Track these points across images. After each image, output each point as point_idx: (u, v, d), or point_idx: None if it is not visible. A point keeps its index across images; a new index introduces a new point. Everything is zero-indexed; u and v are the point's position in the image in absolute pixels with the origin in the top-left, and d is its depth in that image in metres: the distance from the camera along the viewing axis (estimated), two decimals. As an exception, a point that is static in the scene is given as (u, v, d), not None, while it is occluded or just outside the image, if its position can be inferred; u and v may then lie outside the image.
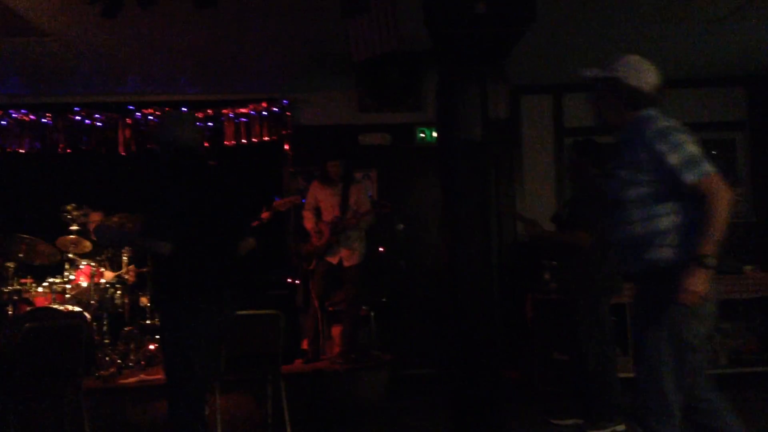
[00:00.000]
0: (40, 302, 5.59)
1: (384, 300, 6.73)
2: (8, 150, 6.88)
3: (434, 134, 6.97)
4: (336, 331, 5.92)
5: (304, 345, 5.85)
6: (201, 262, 3.28)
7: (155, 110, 6.98)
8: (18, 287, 5.65)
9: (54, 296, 5.62)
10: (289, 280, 6.44)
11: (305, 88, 7.00)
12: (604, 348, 4.60)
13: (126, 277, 5.86)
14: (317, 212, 5.85)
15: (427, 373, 6.50)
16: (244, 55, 6.09)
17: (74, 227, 5.79)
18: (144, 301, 5.85)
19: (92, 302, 5.61)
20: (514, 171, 7.16)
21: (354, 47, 4.62)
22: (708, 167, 2.59)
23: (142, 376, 5.21)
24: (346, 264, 5.72)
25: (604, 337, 4.61)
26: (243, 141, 6.98)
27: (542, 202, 7.00)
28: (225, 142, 6.97)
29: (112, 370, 5.26)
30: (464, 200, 3.94)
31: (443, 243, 4.17)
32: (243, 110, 7.00)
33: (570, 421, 4.75)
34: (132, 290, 5.92)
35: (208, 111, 6.98)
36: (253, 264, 6.54)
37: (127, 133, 6.99)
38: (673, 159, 2.60)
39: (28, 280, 5.78)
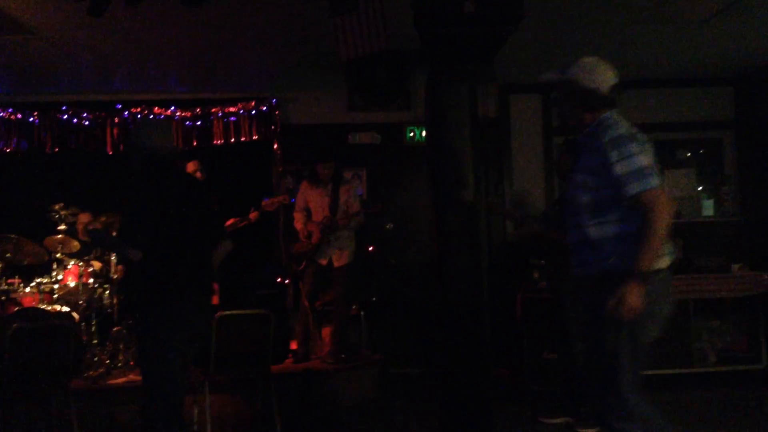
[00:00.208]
0: (28, 302, 5.55)
1: (374, 299, 6.73)
2: (-5, 149, 6.84)
3: (423, 133, 6.97)
4: (326, 330, 5.91)
5: (294, 345, 5.84)
6: (172, 266, 3.31)
7: (143, 109, 6.94)
8: (5, 287, 5.61)
9: (42, 296, 5.58)
10: (279, 280, 6.43)
11: (294, 87, 6.99)
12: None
13: (115, 276, 5.82)
14: (307, 213, 5.84)
15: (417, 372, 6.50)
16: (233, 53, 6.08)
17: (62, 227, 5.76)
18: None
19: (80, 302, 5.58)
20: (503, 170, 7.18)
21: (342, 46, 4.62)
22: (653, 181, 2.60)
23: (131, 377, 5.18)
24: (336, 264, 5.72)
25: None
26: (231, 140, 6.96)
27: (531, 200, 7.04)
28: (214, 142, 6.95)
29: (100, 370, 5.23)
30: (453, 199, 3.95)
31: (433, 242, 4.17)
32: (231, 109, 6.98)
33: (559, 420, 4.77)
34: (120, 290, 5.88)
35: (197, 110, 6.95)
36: (243, 264, 6.58)
37: (115, 132, 6.95)
38: (620, 169, 2.63)
39: (16, 281, 5.75)
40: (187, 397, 4.75)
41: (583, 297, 2.88)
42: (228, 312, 4.55)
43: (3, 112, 6.84)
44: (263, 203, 5.62)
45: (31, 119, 6.87)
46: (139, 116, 6.92)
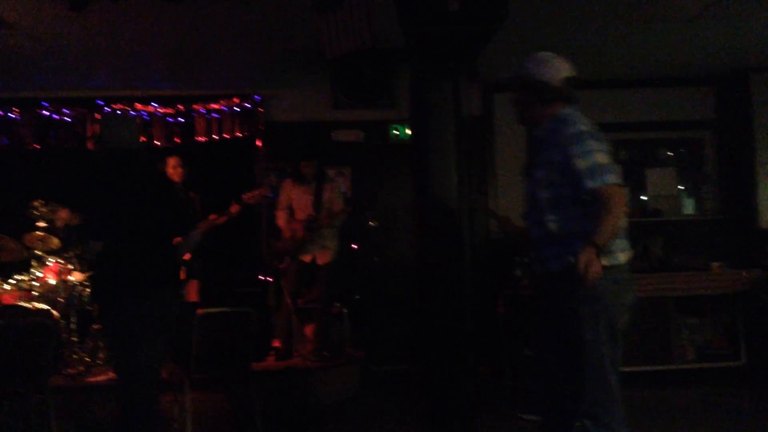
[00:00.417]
0: (7, 300, 5.48)
1: (357, 297, 6.73)
2: (-25, 145, 6.76)
3: (408, 131, 6.98)
4: (308, 328, 5.90)
5: (276, 343, 5.82)
6: (132, 261, 3.33)
7: (125, 105, 6.88)
8: (-16, 285, 5.55)
9: (21, 294, 5.51)
10: (261, 277, 6.41)
11: (278, 84, 6.96)
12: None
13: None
14: (290, 211, 5.83)
15: (399, 369, 6.50)
16: (216, 50, 6.04)
17: (42, 224, 5.69)
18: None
19: (60, 300, 5.52)
20: (487, 168, 7.20)
21: (327, 44, 4.61)
22: (611, 178, 2.62)
23: (111, 374, 5.13)
24: (319, 262, 5.71)
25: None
26: (214, 137, 6.92)
27: (515, 198, 7.04)
28: (196, 138, 6.91)
29: (80, 368, 5.18)
30: (437, 197, 3.95)
31: (416, 240, 4.18)
32: (214, 106, 6.94)
33: (533, 417, 4.79)
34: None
35: (179, 106, 6.91)
36: (225, 262, 6.55)
37: (96, 128, 6.88)
38: (580, 164, 2.64)
39: (-5, 278, 5.68)
40: (167, 395, 4.75)
41: (545, 293, 2.89)
42: (209, 309, 4.53)
43: (-18, 108, 6.76)
44: (244, 196, 5.60)
45: (12, 115, 6.80)
46: (119, 112, 6.86)
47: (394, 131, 7.16)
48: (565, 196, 2.72)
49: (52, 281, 5.60)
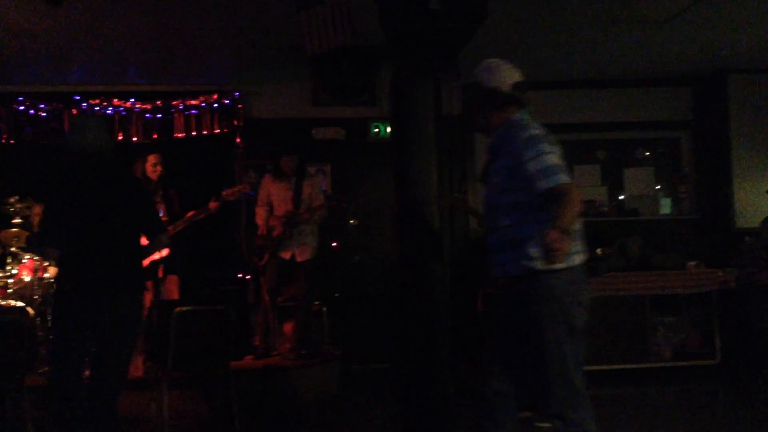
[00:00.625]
0: (-19, 297, 5.41)
1: (336, 295, 6.72)
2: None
3: (388, 129, 6.97)
4: (287, 326, 5.87)
5: (255, 341, 5.79)
6: (87, 263, 3.34)
7: (102, 101, 6.81)
8: (-42, 281, 5.46)
9: (-5, 291, 5.44)
10: (240, 275, 6.37)
11: (258, 81, 6.92)
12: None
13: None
14: (269, 207, 5.80)
15: (379, 367, 6.50)
16: (195, 45, 5.99)
17: (17, 220, 5.62)
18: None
19: (35, 297, 5.45)
20: (466, 167, 7.21)
21: (308, 40, 4.60)
22: (563, 178, 2.66)
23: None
24: (298, 259, 5.68)
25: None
26: (193, 133, 6.86)
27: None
28: (174, 135, 6.85)
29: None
30: (417, 195, 3.95)
31: (396, 238, 4.18)
32: (193, 102, 6.88)
33: (519, 414, 4.81)
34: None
35: (157, 102, 6.85)
36: (203, 259, 6.50)
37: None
38: (533, 166, 2.68)
39: (-31, 275, 5.60)
40: (144, 394, 4.72)
41: (505, 297, 2.92)
42: (187, 307, 4.49)
43: (-43, 102, 6.66)
44: (223, 193, 5.56)
45: (-13, 110, 6.70)
46: (96, 108, 6.79)
47: (375, 129, 7.15)
48: (521, 201, 2.75)
49: (28, 278, 5.53)
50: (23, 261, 5.61)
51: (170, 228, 5.49)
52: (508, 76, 2.94)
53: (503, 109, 2.90)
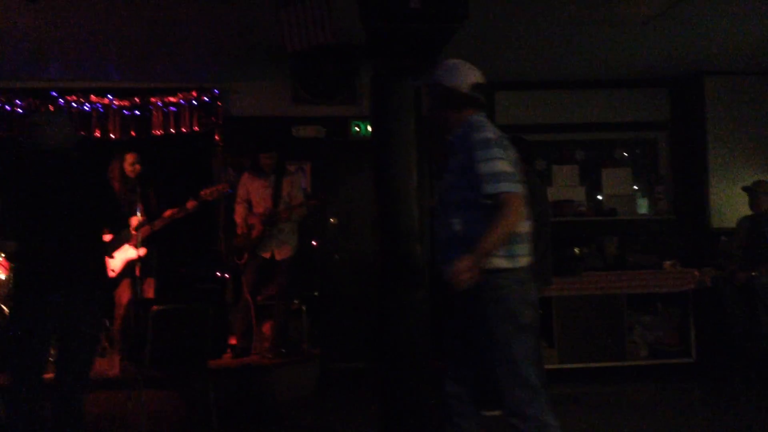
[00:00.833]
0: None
1: (316, 294, 6.70)
2: None
3: (369, 128, 6.97)
4: (266, 325, 5.85)
5: (233, 340, 5.77)
6: (41, 259, 3.36)
7: (79, 97, 6.73)
8: (-71, 280, 5.37)
9: (-32, 290, 5.36)
10: (218, 273, 6.34)
11: (237, 78, 6.88)
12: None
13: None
14: (248, 205, 5.77)
15: (357, 366, 6.51)
16: (174, 41, 5.94)
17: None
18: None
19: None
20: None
21: (287, 38, 4.57)
22: (509, 186, 2.71)
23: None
24: (278, 258, 5.67)
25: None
26: (172, 130, 6.81)
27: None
28: (153, 132, 6.79)
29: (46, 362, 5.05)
30: (397, 194, 3.96)
31: (376, 237, 4.18)
32: (172, 99, 6.83)
33: (496, 412, 4.82)
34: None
35: (135, 99, 6.78)
36: (182, 257, 6.46)
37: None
38: (482, 169, 2.73)
39: (-59, 273, 5.50)
40: (120, 393, 4.68)
41: (456, 296, 2.95)
42: (164, 306, 4.46)
43: (-68, 98, 6.54)
44: (201, 192, 5.53)
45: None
46: (74, 105, 6.72)
47: (355, 128, 7.14)
48: (470, 199, 2.79)
49: (2, 276, 5.45)
50: (-1, 259, 5.53)
51: (148, 227, 5.46)
52: (467, 76, 2.97)
53: (461, 110, 2.95)
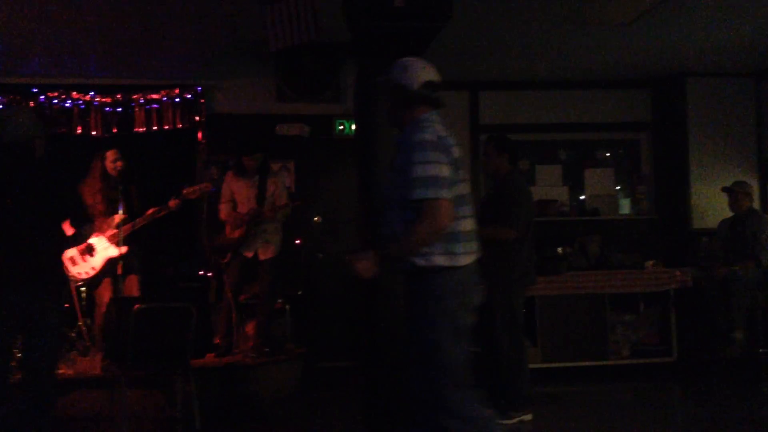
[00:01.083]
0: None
1: (300, 293, 6.68)
2: None
3: (353, 127, 6.95)
4: (250, 325, 5.83)
5: (217, 340, 5.73)
6: None
7: (60, 93, 6.67)
8: None
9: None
10: (201, 273, 6.30)
11: (220, 75, 6.84)
12: (518, 339, 4.74)
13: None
14: (233, 204, 5.74)
15: (341, 365, 6.50)
16: (157, 38, 5.90)
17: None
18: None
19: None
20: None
21: (272, 36, 4.56)
22: (436, 192, 2.71)
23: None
24: (261, 257, 5.64)
25: (518, 328, 4.75)
26: (154, 128, 6.76)
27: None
28: (135, 129, 6.74)
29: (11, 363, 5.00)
30: (381, 193, 3.95)
31: (359, 236, 4.17)
32: (154, 96, 6.78)
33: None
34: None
35: (117, 96, 6.73)
36: (164, 257, 6.41)
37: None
38: (414, 172, 2.73)
39: None
40: (102, 392, 4.64)
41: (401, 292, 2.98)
42: (147, 305, 4.43)
43: None
44: (184, 191, 5.49)
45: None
46: (55, 101, 6.66)
47: (340, 126, 7.13)
48: (407, 198, 2.78)
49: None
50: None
51: (130, 225, 5.41)
52: (419, 75, 2.95)
53: (412, 108, 2.94)
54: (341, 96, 6.96)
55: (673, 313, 6.41)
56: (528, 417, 4.68)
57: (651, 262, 6.56)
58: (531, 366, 4.92)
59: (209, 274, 6.30)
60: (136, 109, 6.75)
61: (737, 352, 5.81)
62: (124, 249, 5.34)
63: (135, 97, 6.76)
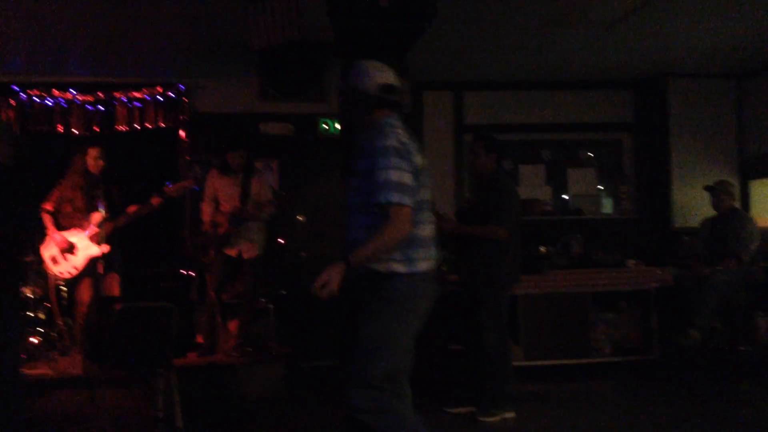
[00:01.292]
0: None
1: (283, 292, 6.66)
2: None
3: (337, 126, 6.95)
4: (233, 324, 5.80)
5: (199, 339, 5.71)
6: None
7: (41, 91, 6.61)
8: None
9: None
10: (183, 272, 6.26)
11: (203, 74, 6.81)
12: (502, 338, 4.76)
13: None
14: (216, 203, 5.71)
15: (325, 365, 6.48)
16: (139, 36, 5.85)
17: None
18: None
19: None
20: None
21: (254, 34, 4.54)
22: (400, 198, 2.71)
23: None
24: (245, 256, 5.62)
25: (502, 327, 4.77)
26: (136, 126, 6.72)
27: (441, 196, 7.12)
28: (117, 127, 6.69)
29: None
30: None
31: (343, 234, 4.16)
32: (136, 94, 6.74)
33: (463, 409, 4.86)
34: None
35: (99, 94, 6.69)
36: (146, 255, 6.37)
37: (11, 114, 6.59)
38: (378, 177, 2.73)
39: None
40: (83, 392, 4.60)
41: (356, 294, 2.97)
42: (128, 304, 4.40)
43: None
44: (166, 189, 5.46)
45: None
46: (36, 99, 6.60)
47: (324, 125, 7.11)
48: (369, 203, 2.78)
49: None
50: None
51: (111, 223, 5.38)
52: (375, 78, 2.93)
53: (372, 111, 2.92)
54: (325, 95, 6.95)
55: (654, 312, 6.45)
56: (511, 415, 4.70)
57: (632, 261, 6.61)
58: (514, 364, 4.94)
59: (191, 273, 6.27)
60: (118, 108, 6.71)
61: (692, 347, 5.87)
62: (105, 248, 5.30)
63: (117, 95, 6.72)
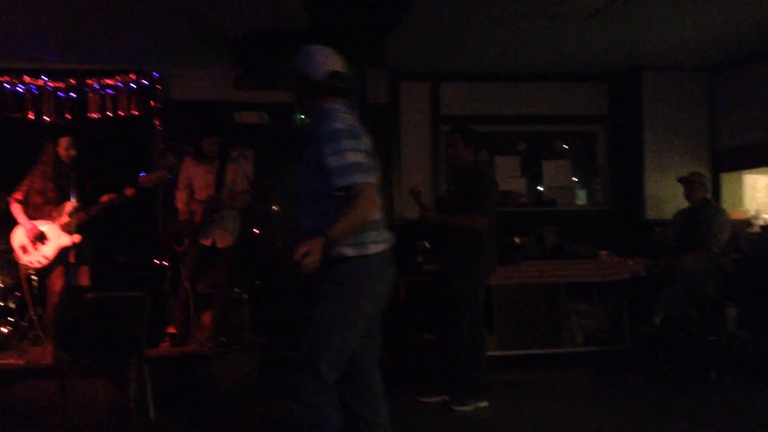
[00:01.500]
0: None
1: (258, 283, 6.63)
2: None
3: (312, 115, 6.90)
4: (206, 314, 5.77)
5: (172, 329, 5.66)
6: None
7: (12, 78, 6.49)
8: None
9: None
10: (156, 261, 6.20)
11: (178, 62, 6.73)
12: (477, 328, 4.80)
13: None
14: (190, 191, 5.66)
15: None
16: (112, 22, 5.76)
17: None
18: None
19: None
20: (392, 155, 7.24)
21: (229, 22, 4.50)
22: (363, 177, 2.72)
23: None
24: (219, 245, 5.58)
25: (478, 317, 4.80)
26: (109, 114, 6.63)
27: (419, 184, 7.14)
28: (89, 115, 6.60)
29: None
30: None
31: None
32: (109, 81, 6.65)
33: (437, 399, 4.90)
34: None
35: (71, 81, 6.58)
36: (118, 244, 6.30)
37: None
38: (332, 162, 2.72)
39: None
40: (54, 382, 4.56)
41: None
42: (99, 293, 4.35)
43: None
44: (140, 179, 5.41)
45: None
46: (7, 85, 6.48)
47: (300, 115, 7.06)
48: (320, 191, 2.78)
49: None
50: None
51: (83, 213, 5.31)
52: (323, 64, 2.91)
53: (317, 97, 2.90)
54: (301, 84, 6.89)
55: (626, 303, 6.53)
56: (484, 404, 4.74)
57: (605, 252, 6.68)
58: (487, 354, 4.98)
59: (164, 262, 6.21)
60: (90, 95, 6.61)
61: (654, 335, 5.96)
62: (77, 237, 5.24)
63: (89, 82, 6.62)
